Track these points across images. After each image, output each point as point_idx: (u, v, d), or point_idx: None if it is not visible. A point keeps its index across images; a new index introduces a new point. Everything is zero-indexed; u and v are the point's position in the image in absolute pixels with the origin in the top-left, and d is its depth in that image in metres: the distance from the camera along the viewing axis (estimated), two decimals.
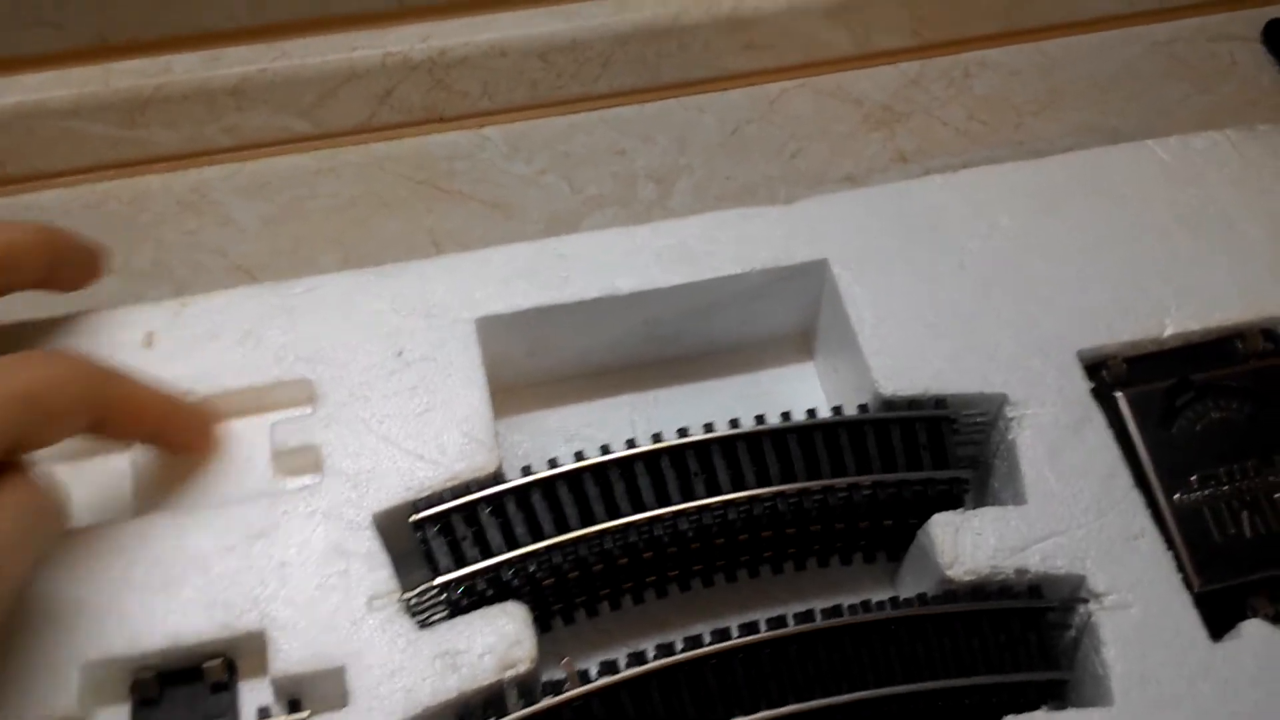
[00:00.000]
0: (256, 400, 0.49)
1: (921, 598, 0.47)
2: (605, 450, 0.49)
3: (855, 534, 0.51)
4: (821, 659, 0.45)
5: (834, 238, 0.55)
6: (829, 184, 0.67)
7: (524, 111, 0.67)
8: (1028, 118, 0.70)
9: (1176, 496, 0.50)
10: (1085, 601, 0.47)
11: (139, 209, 0.63)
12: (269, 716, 0.43)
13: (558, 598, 0.49)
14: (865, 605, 0.46)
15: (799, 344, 0.58)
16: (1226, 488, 0.50)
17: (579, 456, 0.49)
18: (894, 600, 0.47)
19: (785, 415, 0.51)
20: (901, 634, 0.46)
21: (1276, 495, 0.50)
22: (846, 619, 0.46)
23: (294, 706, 0.44)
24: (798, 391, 0.57)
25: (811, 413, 0.51)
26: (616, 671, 0.44)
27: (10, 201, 0.63)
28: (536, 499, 0.47)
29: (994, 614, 0.46)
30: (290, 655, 0.43)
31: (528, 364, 0.55)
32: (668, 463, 0.49)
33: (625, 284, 0.52)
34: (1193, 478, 0.50)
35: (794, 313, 0.56)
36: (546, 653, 0.46)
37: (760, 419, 0.50)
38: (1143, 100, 0.71)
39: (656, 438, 0.49)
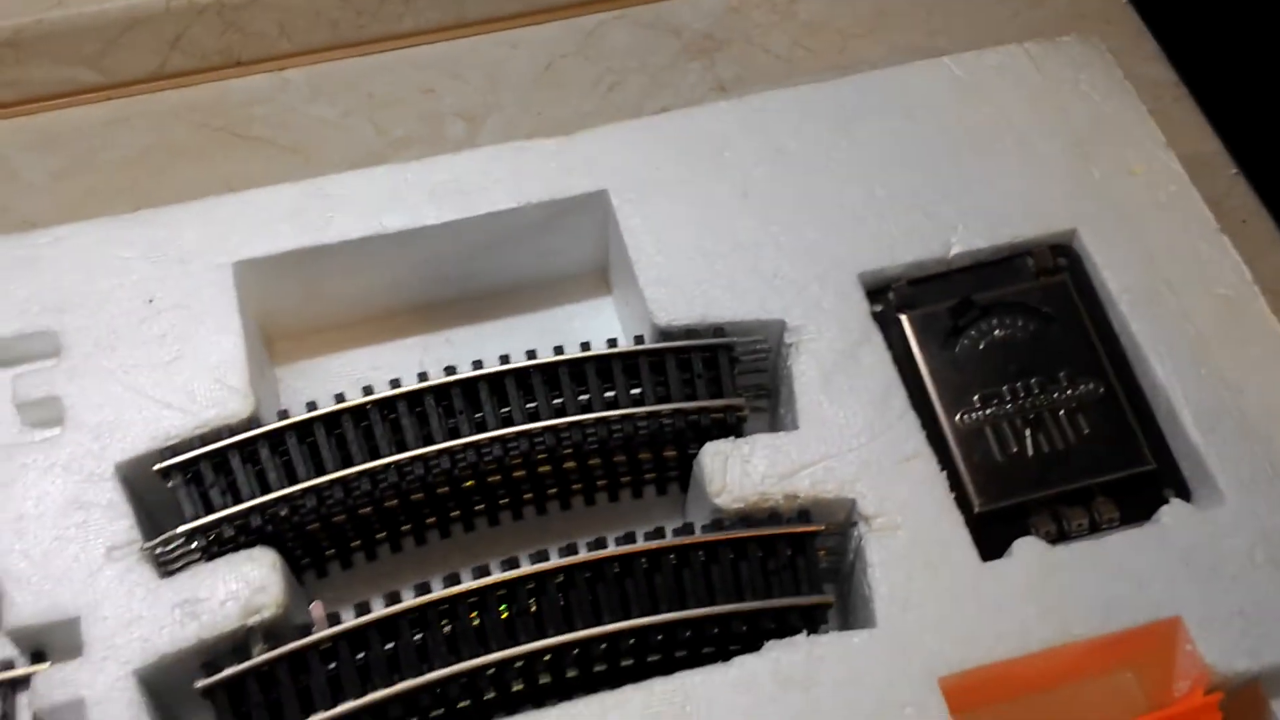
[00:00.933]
0: (1, 353, 0.47)
1: (687, 527, 0.46)
2: (367, 391, 0.47)
3: (638, 466, 0.50)
4: (584, 592, 0.44)
5: (614, 168, 0.53)
6: (645, 118, 0.65)
7: (326, 53, 0.65)
8: (852, 41, 0.69)
9: (959, 417, 0.49)
10: (855, 525, 0.46)
11: None
12: (9, 668, 0.42)
13: (328, 542, 0.48)
14: (628, 536, 0.45)
15: (598, 279, 0.57)
16: (1010, 406, 0.49)
17: (339, 399, 0.47)
18: (657, 530, 0.45)
19: (557, 349, 0.49)
20: (665, 564, 0.44)
21: (1061, 412, 0.49)
22: (609, 551, 0.45)
23: (38, 657, 0.43)
24: (595, 328, 0.55)
25: (585, 346, 0.49)
26: (367, 612, 0.43)
27: None
28: (293, 443, 0.46)
29: (760, 541, 0.45)
30: (24, 608, 0.42)
31: (306, 309, 0.53)
32: (432, 402, 0.48)
33: (394, 222, 0.51)
34: (975, 398, 0.49)
35: (587, 248, 0.55)
36: (329, 599, 0.45)
37: (531, 354, 0.49)
38: (970, 18, 0.70)
39: (422, 377, 0.48)
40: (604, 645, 0.43)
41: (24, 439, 0.46)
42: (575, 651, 0.43)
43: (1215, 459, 0.47)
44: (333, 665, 0.42)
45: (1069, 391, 0.49)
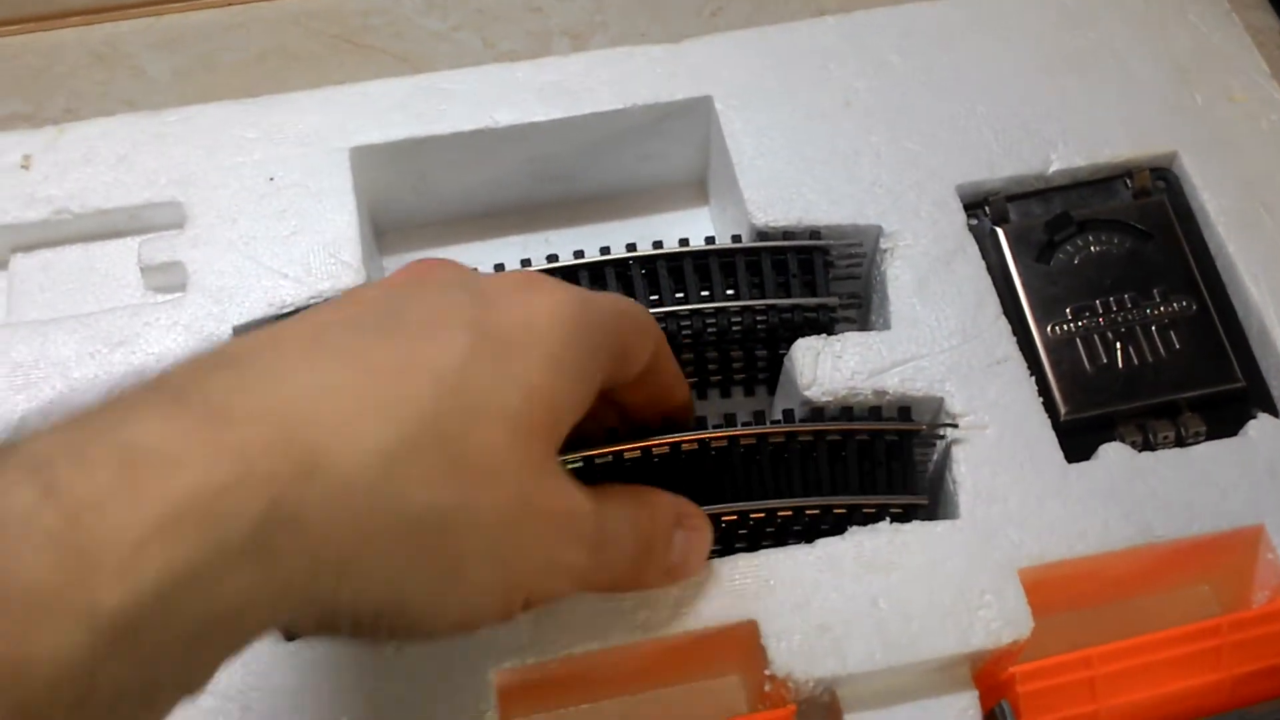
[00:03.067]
0: (129, 221, 0.50)
1: (788, 415, 0.46)
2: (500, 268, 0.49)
3: (729, 364, 0.51)
4: (675, 474, 0.45)
5: (719, 77, 0.54)
6: (751, 29, 0.65)
7: None
8: None
9: (1050, 328, 0.49)
10: (949, 428, 0.47)
11: (53, 61, 0.64)
12: None
13: None
14: (729, 420, 0.46)
15: (696, 189, 0.58)
16: (1102, 319, 0.50)
17: None
18: (757, 417, 0.46)
19: (656, 244, 0.51)
20: (763, 450, 0.45)
21: (1153, 328, 0.49)
22: (697, 434, 0.45)
23: None
24: (691, 234, 0.57)
25: (684, 242, 0.51)
26: None
27: None
28: None
29: (860, 435, 0.46)
30: None
31: (415, 203, 0.55)
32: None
33: (503, 117, 0.53)
34: (1067, 310, 0.50)
35: (689, 155, 0.56)
36: None
37: (631, 247, 0.50)
38: None
39: (525, 263, 0.50)
40: None
41: (145, 301, 0.49)
42: None
43: None
44: None
45: (1162, 308, 0.50)
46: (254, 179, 0.50)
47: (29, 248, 0.50)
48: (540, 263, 0.50)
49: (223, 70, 0.64)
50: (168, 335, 0.46)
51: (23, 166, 0.50)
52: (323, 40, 0.65)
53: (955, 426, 0.46)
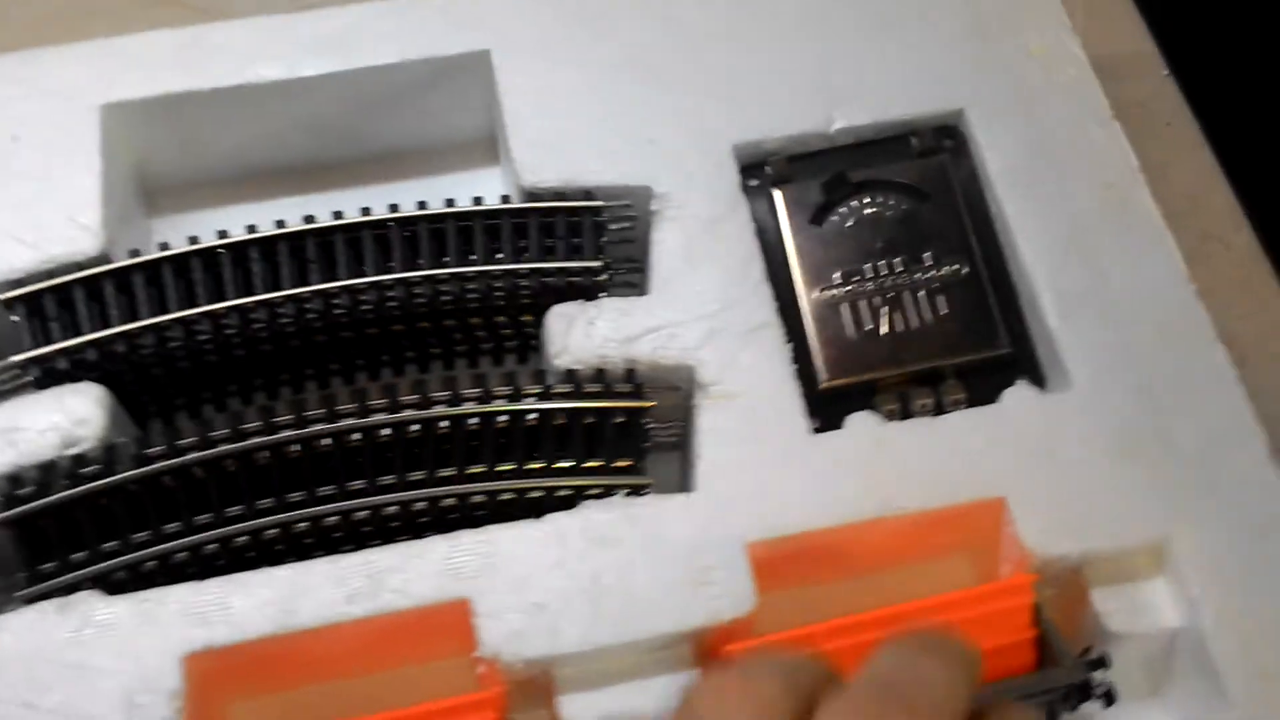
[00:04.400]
0: None
1: (511, 389, 0.45)
2: (221, 235, 0.48)
3: (495, 329, 0.50)
4: (392, 451, 0.44)
5: (499, 29, 0.52)
6: None
7: None
8: None
9: (817, 292, 0.48)
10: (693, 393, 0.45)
11: None
12: None
13: (173, 389, 0.48)
14: (455, 397, 0.45)
15: (486, 147, 0.56)
16: (871, 284, 0.48)
17: (192, 241, 0.47)
18: (477, 385, 0.45)
19: (420, 204, 0.49)
20: (482, 425, 0.44)
21: (922, 293, 0.48)
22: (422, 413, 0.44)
23: None
24: (484, 194, 0.55)
25: (450, 203, 0.49)
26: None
27: None
28: (139, 283, 0.46)
29: (584, 411, 0.45)
30: None
31: (185, 161, 0.53)
32: (285, 250, 0.48)
33: (270, 72, 0.51)
34: (836, 274, 0.48)
35: (475, 112, 0.54)
36: None
37: (393, 208, 0.49)
38: None
39: (279, 224, 0.48)
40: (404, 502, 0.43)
41: None
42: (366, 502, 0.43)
43: (1069, 345, 0.46)
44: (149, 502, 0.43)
45: (932, 272, 0.48)
46: None
47: None
48: (297, 224, 0.48)
49: (12, 25, 0.62)
50: None
51: None
52: None
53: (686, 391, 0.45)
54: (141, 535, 0.43)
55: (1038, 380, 0.47)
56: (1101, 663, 0.41)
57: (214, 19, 0.61)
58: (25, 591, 0.42)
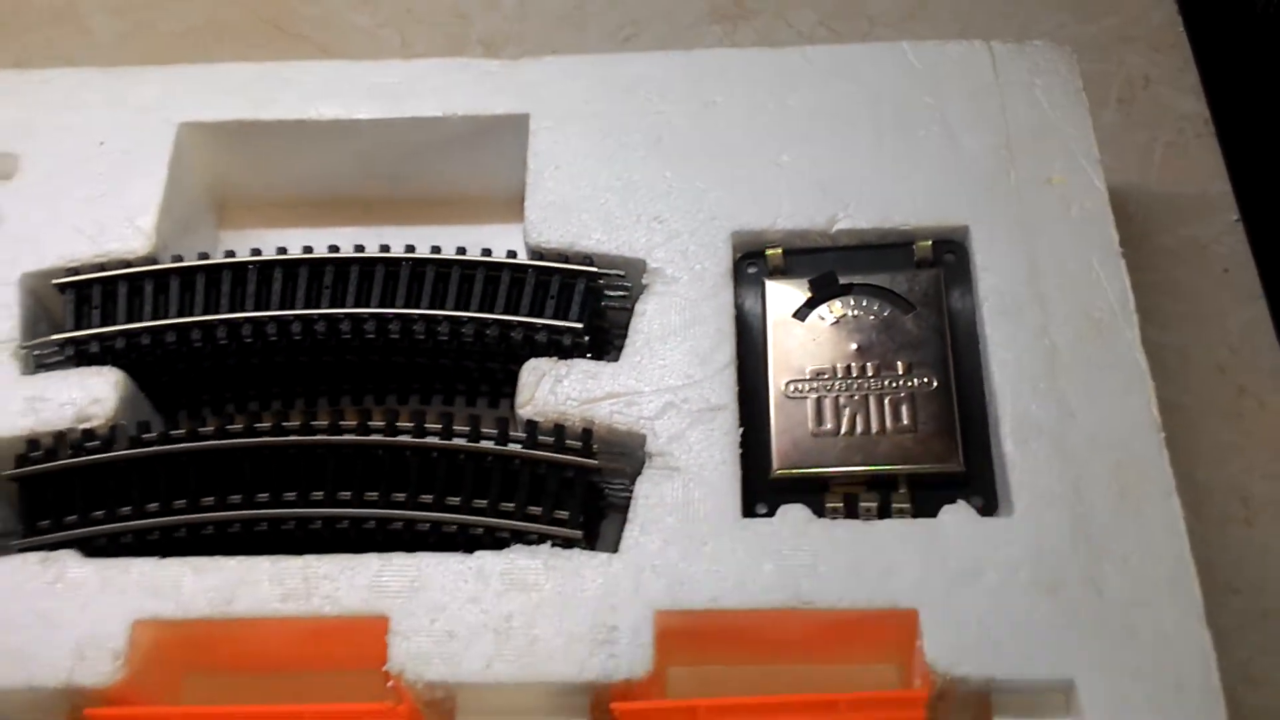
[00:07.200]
0: None
1: (475, 430, 0.48)
2: (255, 253, 0.52)
3: (469, 374, 0.53)
4: (353, 468, 0.48)
5: (542, 96, 0.56)
6: (591, 54, 0.66)
7: None
8: (879, 28, 0.69)
9: (787, 385, 0.50)
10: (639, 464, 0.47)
11: (11, 14, 0.70)
12: None
13: (198, 386, 0.53)
14: (420, 429, 0.48)
15: (517, 205, 0.60)
16: (839, 383, 0.49)
17: (229, 254, 0.52)
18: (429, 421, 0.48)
19: (435, 249, 0.53)
20: (436, 458, 0.47)
21: (888, 400, 0.49)
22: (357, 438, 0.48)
23: None
24: (504, 247, 0.58)
25: (461, 250, 0.53)
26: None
27: None
28: (174, 286, 0.52)
29: (540, 461, 0.47)
30: None
31: (255, 182, 0.58)
32: (305, 275, 0.52)
33: (327, 111, 0.56)
34: (808, 369, 0.50)
35: (510, 171, 0.58)
36: None
37: (410, 248, 0.53)
38: (1012, 20, 0.69)
39: (307, 250, 0.53)
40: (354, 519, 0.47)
41: None
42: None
43: (1018, 473, 0.46)
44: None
45: (903, 381, 0.49)
46: (86, 142, 0.55)
47: None
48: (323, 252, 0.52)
49: (161, 38, 0.69)
50: None
51: None
52: (254, 21, 0.70)
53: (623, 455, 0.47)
54: (125, 509, 0.48)
55: (989, 502, 0.47)
56: None
57: (330, 56, 0.67)
58: (19, 542, 0.48)
